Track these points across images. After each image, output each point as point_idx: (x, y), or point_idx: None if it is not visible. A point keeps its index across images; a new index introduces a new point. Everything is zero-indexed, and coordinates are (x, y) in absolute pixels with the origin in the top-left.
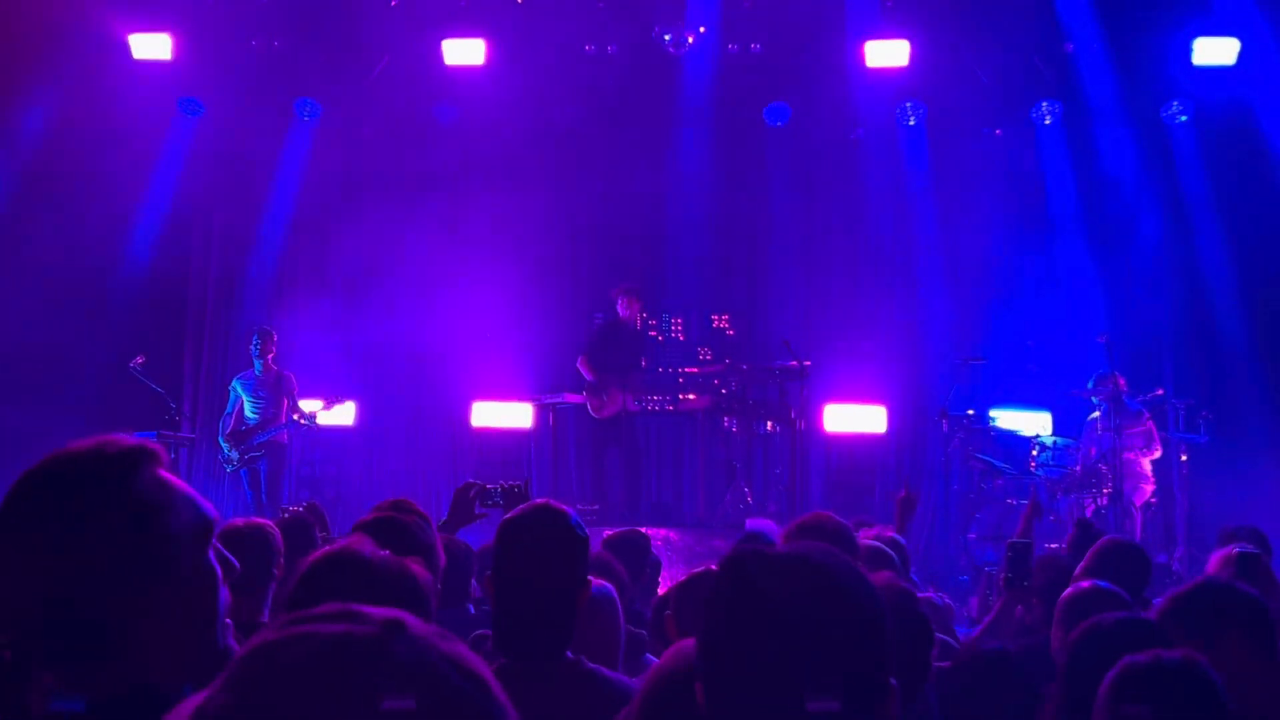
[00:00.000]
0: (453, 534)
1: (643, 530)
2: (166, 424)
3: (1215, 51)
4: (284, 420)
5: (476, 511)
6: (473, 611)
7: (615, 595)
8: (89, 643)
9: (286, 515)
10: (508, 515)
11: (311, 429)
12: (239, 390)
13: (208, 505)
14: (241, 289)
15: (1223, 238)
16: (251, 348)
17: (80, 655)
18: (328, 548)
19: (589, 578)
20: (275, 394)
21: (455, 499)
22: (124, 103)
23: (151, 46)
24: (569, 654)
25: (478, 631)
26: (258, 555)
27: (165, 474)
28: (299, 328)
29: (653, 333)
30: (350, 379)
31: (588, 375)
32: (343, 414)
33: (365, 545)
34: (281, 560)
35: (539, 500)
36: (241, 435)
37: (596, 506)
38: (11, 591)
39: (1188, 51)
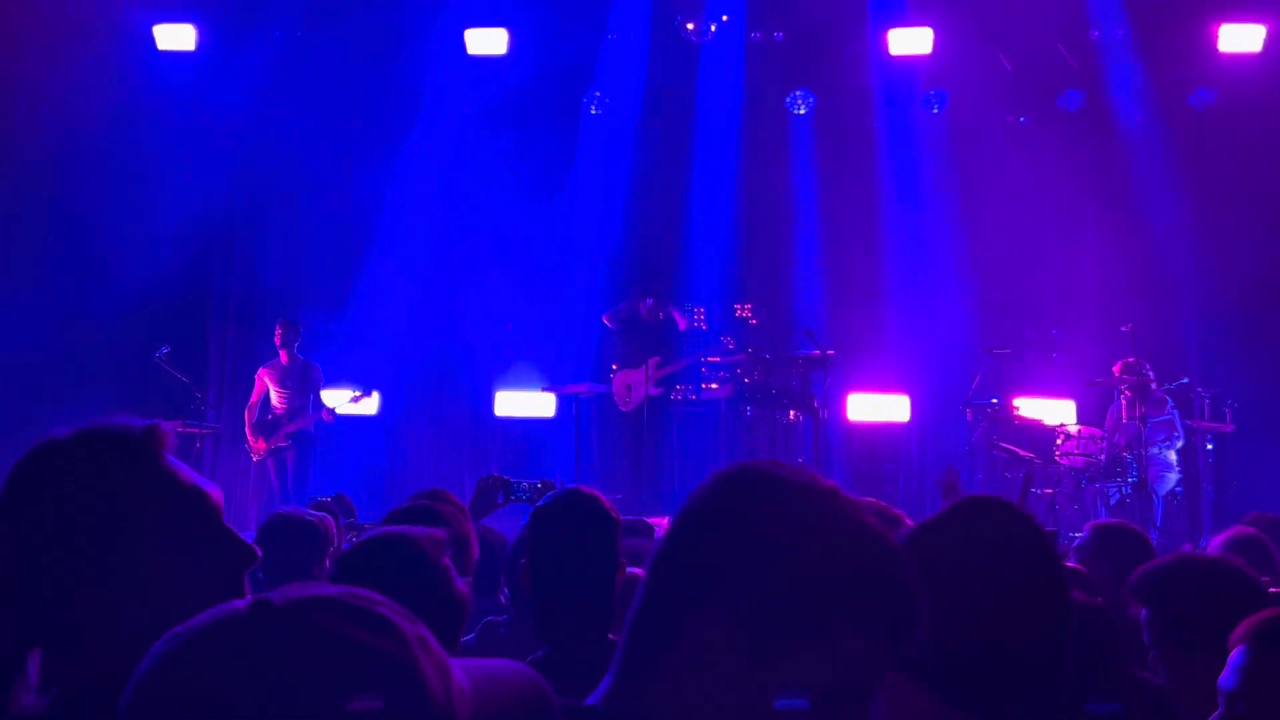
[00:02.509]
0: (477, 522)
1: (648, 520)
2: (192, 413)
3: (1242, 38)
4: (311, 411)
5: (498, 501)
6: (505, 601)
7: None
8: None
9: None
10: (539, 503)
11: (335, 419)
12: (265, 380)
13: (212, 486)
14: (266, 279)
15: (1249, 225)
16: (276, 338)
17: (74, 639)
18: (371, 533)
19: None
20: (302, 384)
21: (477, 489)
22: (148, 93)
23: (176, 38)
24: (611, 637)
25: (487, 619)
26: (308, 545)
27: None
28: (325, 317)
29: (680, 322)
30: (375, 369)
31: (610, 325)
32: (368, 404)
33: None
34: (330, 549)
35: (569, 486)
36: (268, 425)
37: (619, 495)
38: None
39: (1214, 38)
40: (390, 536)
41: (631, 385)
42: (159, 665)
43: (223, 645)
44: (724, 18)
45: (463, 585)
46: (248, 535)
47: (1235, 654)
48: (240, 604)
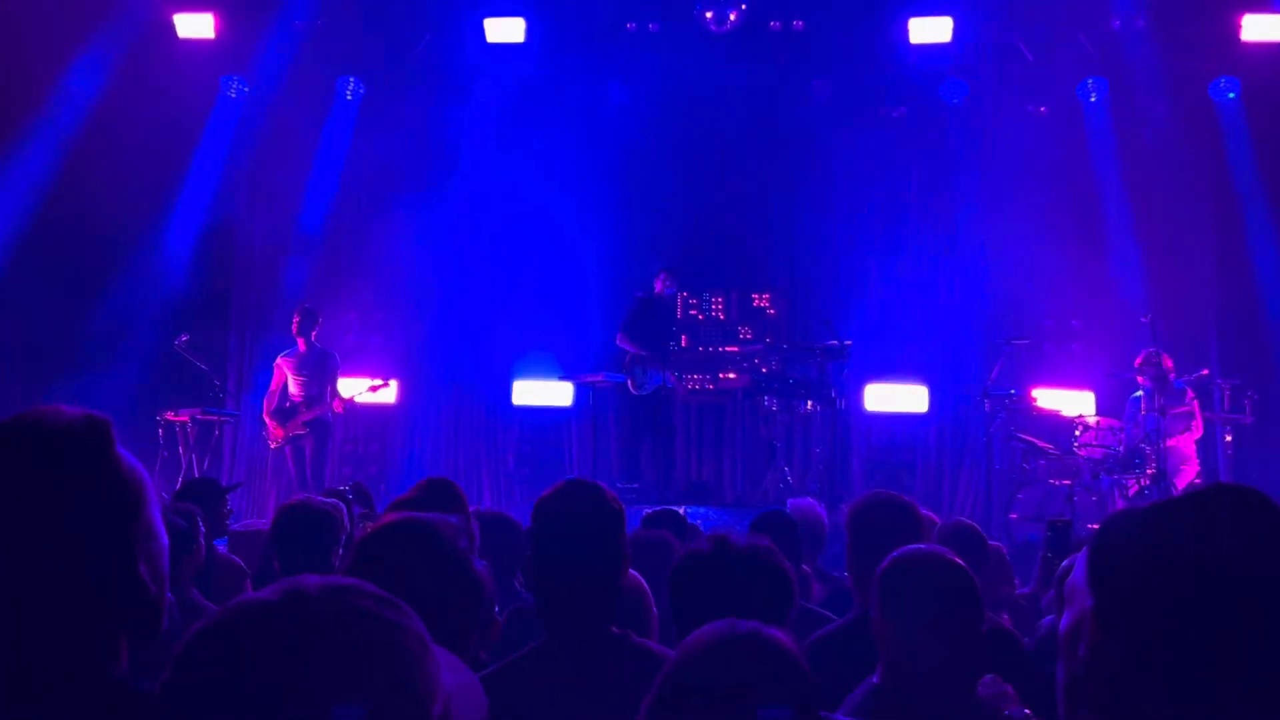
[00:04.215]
0: None
1: (677, 509)
2: (211, 401)
3: (1264, 28)
4: (329, 400)
5: None
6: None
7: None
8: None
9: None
10: (542, 494)
11: (353, 407)
12: (283, 368)
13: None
14: (285, 267)
15: (1270, 216)
16: (294, 326)
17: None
18: (385, 519)
19: (627, 554)
20: (320, 372)
21: None
22: (168, 81)
23: (195, 25)
24: (614, 629)
25: (515, 605)
26: (322, 533)
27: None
28: (342, 305)
29: (693, 311)
30: (392, 357)
31: (629, 348)
32: (385, 393)
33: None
34: (344, 537)
35: (571, 476)
36: (286, 413)
37: (635, 485)
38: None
39: (1236, 27)
40: (407, 522)
41: (646, 372)
42: (194, 648)
43: (256, 630)
44: (743, 5)
45: (481, 568)
46: (265, 522)
47: None
48: (271, 591)
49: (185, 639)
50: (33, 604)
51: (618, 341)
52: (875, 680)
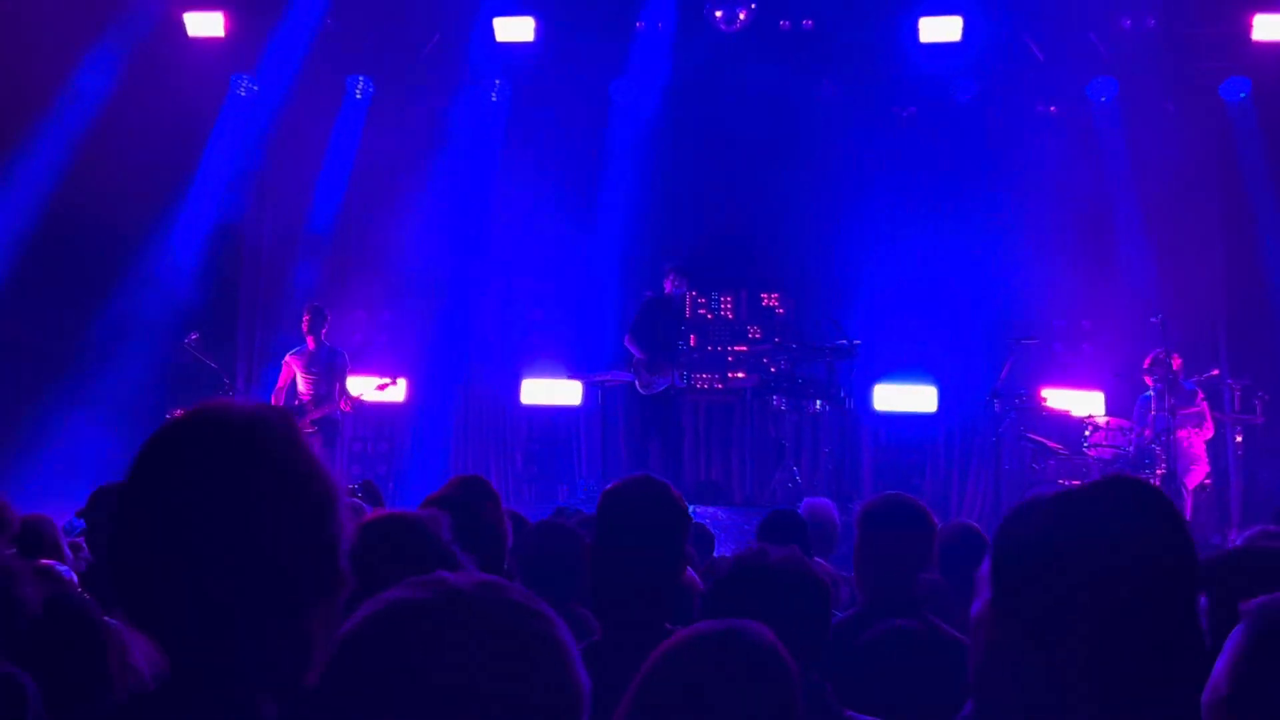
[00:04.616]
0: None
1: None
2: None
3: (1275, 28)
4: (337, 399)
5: None
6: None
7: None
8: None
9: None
10: (608, 487)
11: (361, 406)
12: (291, 366)
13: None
14: (294, 266)
15: None
16: (303, 324)
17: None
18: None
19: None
20: (328, 371)
21: None
22: (178, 80)
23: (206, 24)
24: (668, 625)
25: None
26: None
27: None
28: (351, 304)
29: (702, 311)
30: (401, 356)
31: (636, 352)
32: (394, 391)
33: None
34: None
35: (640, 473)
36: (294, 412)
37: None
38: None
39: (1247, 27)
40: (391, 517)
41: (655, 374)
42: (353, 647)
43: (418, 626)
44: (752, 5)
45: (466, 561)
46: None
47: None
48: (415, 588)
49: (340, 638)
50: (236, 603)
51: (625, 343)
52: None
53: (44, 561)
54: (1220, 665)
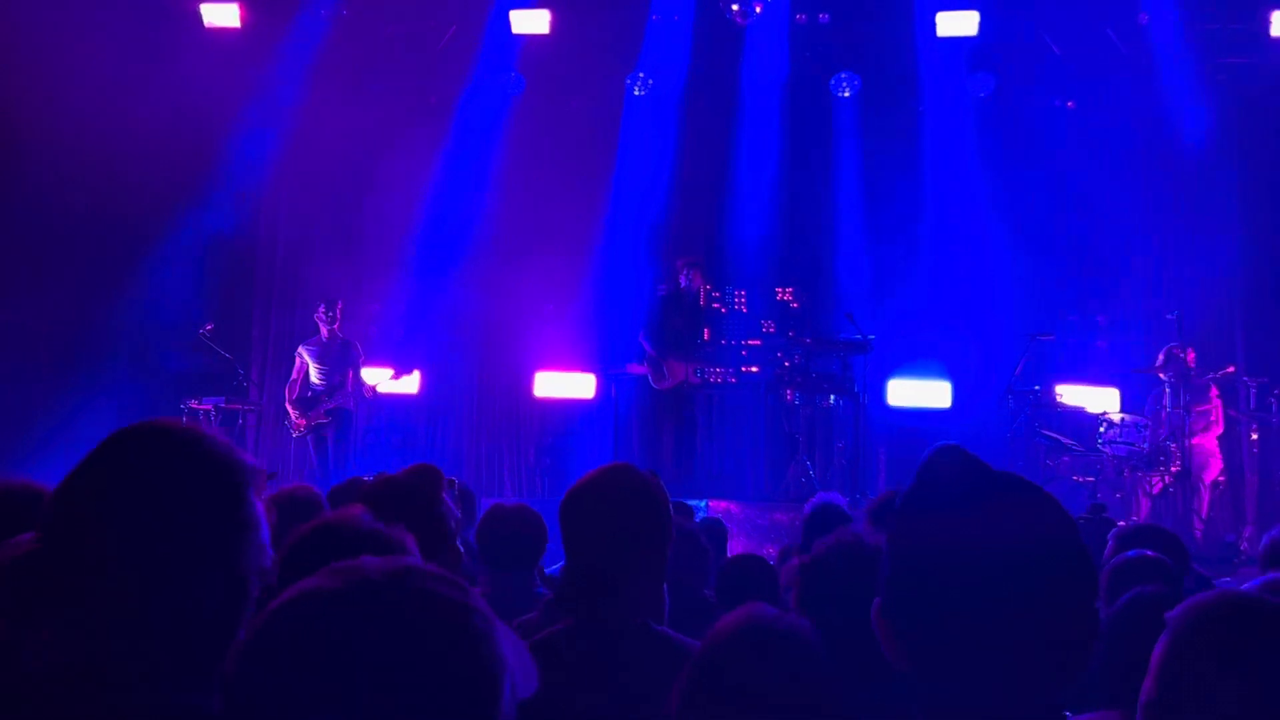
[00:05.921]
0: None
1: (685, 502)
2: (235, 390)
3: None
4: (350, 389)
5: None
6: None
7: None
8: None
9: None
10: (583, 476)
11: (376, 397)
12: (305, 357)
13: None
14: (309, 257)
15: None
16: (317, 315)
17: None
18: (325, 518)
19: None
20: (341, 362)
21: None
22: (194, 71)
23: (221, 15)
24: (650, 624)
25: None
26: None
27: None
28: (365, 296)
29: (716, 304)
30: (415, 348)
31: (649, 348)
32: (408, 383)
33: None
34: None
35: (617, 463)
36: (308, 402)
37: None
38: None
39: (1265, 23)
40: (315, 529)
41: (668, 369)
42: (261, 638)
43: (324, 618)
44: None
45: (411, 544)
46: None
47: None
48: (330, 577)
49: (251, 628)
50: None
51: (640, 339)
52: None
53: None
54: (1150, 671)
